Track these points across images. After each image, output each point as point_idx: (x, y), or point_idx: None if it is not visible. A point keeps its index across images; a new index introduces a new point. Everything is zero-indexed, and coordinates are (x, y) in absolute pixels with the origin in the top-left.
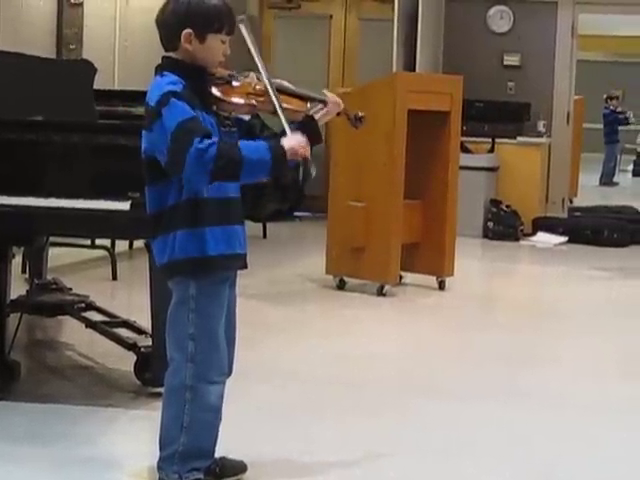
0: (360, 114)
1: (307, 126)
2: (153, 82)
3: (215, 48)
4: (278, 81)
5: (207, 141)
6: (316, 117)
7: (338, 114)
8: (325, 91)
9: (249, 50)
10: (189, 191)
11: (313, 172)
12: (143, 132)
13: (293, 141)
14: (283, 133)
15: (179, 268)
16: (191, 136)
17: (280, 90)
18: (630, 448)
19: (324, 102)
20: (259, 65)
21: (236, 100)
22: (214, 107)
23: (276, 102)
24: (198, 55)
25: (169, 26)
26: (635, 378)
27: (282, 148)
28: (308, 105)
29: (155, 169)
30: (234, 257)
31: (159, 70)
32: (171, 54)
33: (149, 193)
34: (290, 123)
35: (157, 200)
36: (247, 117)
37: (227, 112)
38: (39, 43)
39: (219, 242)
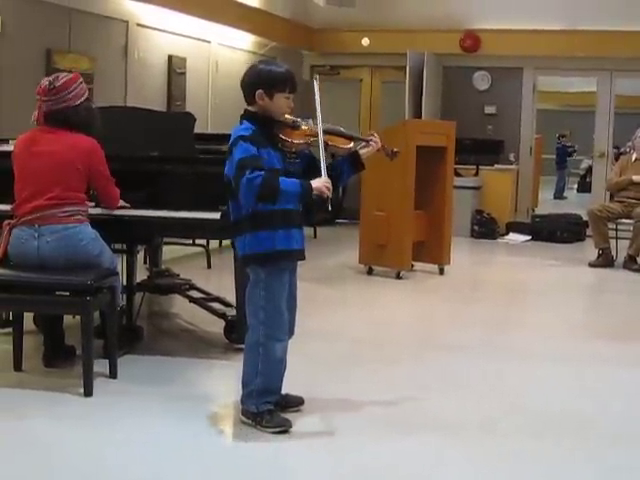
0: (395, 149)
1: (351, 157)
2: (235, 127)
3: (280, 104)
4: (330, 125)
5: (256, 172)
6: (361, 152)
7: (379, 150)
8: (374, 135)
9: (314, 100)
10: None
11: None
12: (226, 161)
13: (319, 183)
14: (319, 172)
15: (251, 260)
16: (245, 169)
17: (331, 131)
18: (571, 382)
19: (367, 141)
20: (318, 114)
21: (295, 140)
22: (280, 145)
23: (322, 148)
24: (268, 108)
25: (247, 88)
26: (577, 335)
27: (310, 186)
28: (352, 144)
29: (232, 188)
30: (293, 252)
31: (241, 118)
32: (250, 107)
33: (231, 205)
34: (332, 157)
35: (236, 210)
36: (307, 151)
37: (289, 149)
38: (155, 100)
39: (282, 241)
